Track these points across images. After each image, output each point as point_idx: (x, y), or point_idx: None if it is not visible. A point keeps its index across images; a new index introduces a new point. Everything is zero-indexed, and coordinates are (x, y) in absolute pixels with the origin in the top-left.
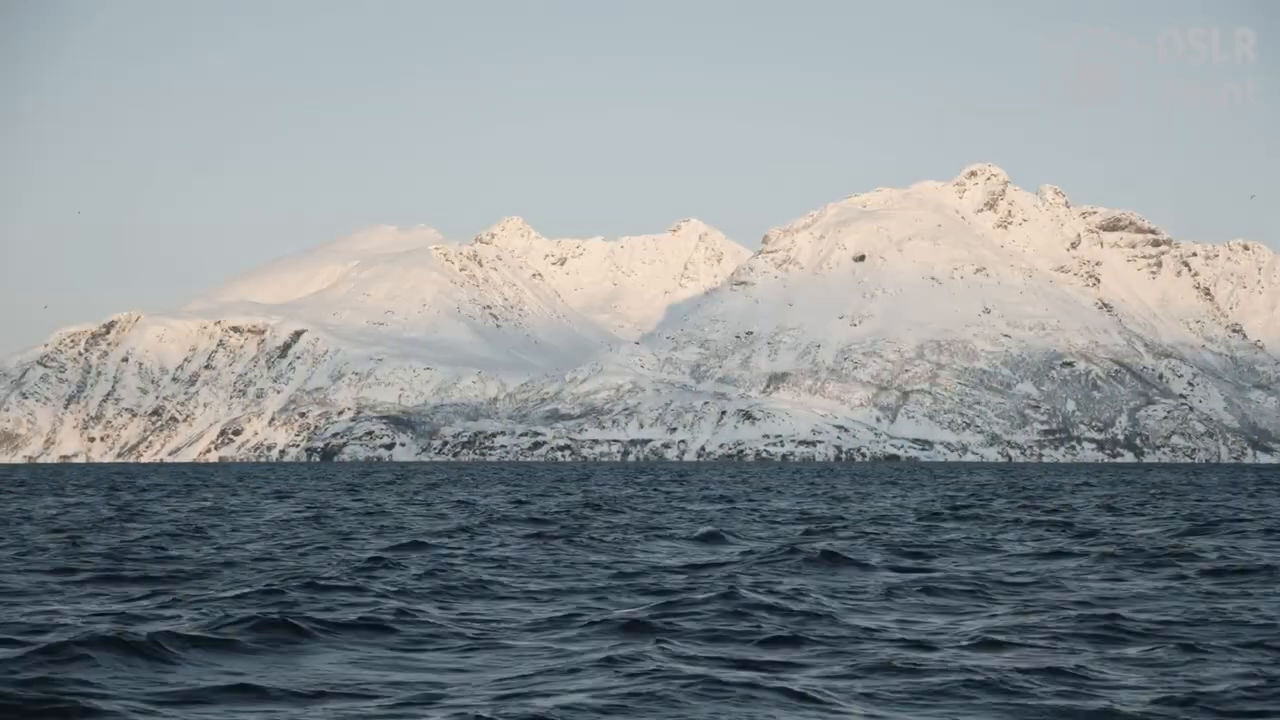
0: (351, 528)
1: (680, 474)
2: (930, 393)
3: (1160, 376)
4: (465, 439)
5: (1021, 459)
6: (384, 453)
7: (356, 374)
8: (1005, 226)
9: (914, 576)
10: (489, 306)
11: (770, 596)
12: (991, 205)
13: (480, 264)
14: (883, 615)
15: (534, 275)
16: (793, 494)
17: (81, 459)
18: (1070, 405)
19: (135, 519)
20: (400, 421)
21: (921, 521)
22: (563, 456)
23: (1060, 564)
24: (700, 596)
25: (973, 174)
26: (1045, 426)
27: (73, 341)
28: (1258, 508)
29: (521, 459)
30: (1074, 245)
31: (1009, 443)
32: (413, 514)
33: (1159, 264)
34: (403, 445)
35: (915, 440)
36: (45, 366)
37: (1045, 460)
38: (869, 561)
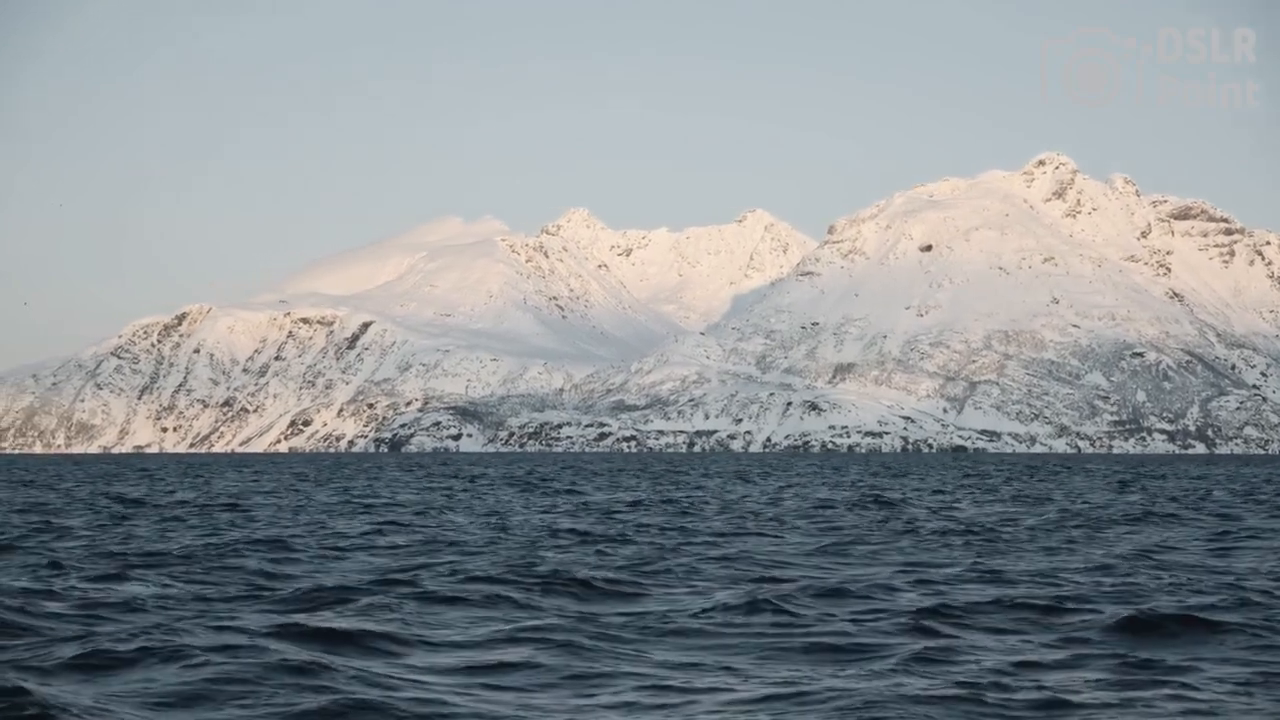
0: None
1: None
2: (998, 384)
3: (1233, 367)
4: (531, 430)
5: (1091, 450)
6: (451, 443)
7: (424, 365)
8: (1074, 216)
9: None
10: (555, 298)
11: None
12: (1060, 194)
13: (546, 255)
14: None
15: (600, 266)
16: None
17: (155, 449)
18: (1140, 396)
19: None
20: (467, 412)
21: None
22: (628, 448)
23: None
24: None
25: (1041, 163)
26: (1115, 418)
27: (145, 333)
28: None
29: (587, 450)
30: (1144, 234)
31: (1078, 434)
32: None
33: (1231, 253)
34: (469, 436)
35: (983, 431)
36: (119, 358)
37: (1115, 452)
38: None
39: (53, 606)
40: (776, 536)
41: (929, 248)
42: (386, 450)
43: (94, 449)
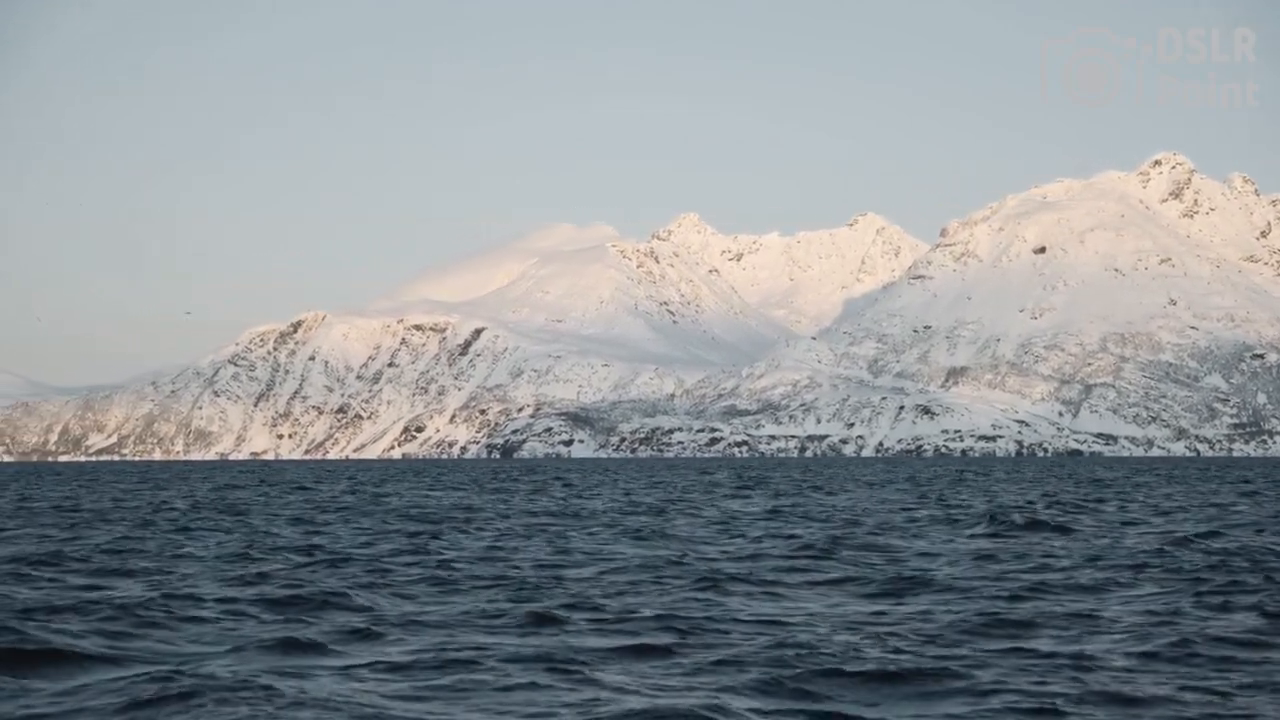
0: None
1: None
2: (1114, 386)
3: None
4: (643, 435)
5: (1210, 454)
6: (563, 449)
7: (535, 371)
8: (1191, 216)
9: None
10: (666, 303)
11: None
12: (1177, 194)
13: (657, 260)
14: None
15: (710, 271)
16: None
17: (271, 455)
18: (1261, 398)
19: None
20: (578, 418)
21: None
22: (740, 453)
23: None
24: None
25: (1157, 163)
26: (1235, 420)
27: (262, 341)
28: None
29: (699, 455)
30: (1264, 234)
31: (1197, 437)
32: None
33: None
34: (581, 442)
35: (1099, 435)
36: (236, 365)
37: (1235, 455)
38: None
39: None
40: None
41: (1043, 250)
42: (499, 456)
43: (211, 455)
